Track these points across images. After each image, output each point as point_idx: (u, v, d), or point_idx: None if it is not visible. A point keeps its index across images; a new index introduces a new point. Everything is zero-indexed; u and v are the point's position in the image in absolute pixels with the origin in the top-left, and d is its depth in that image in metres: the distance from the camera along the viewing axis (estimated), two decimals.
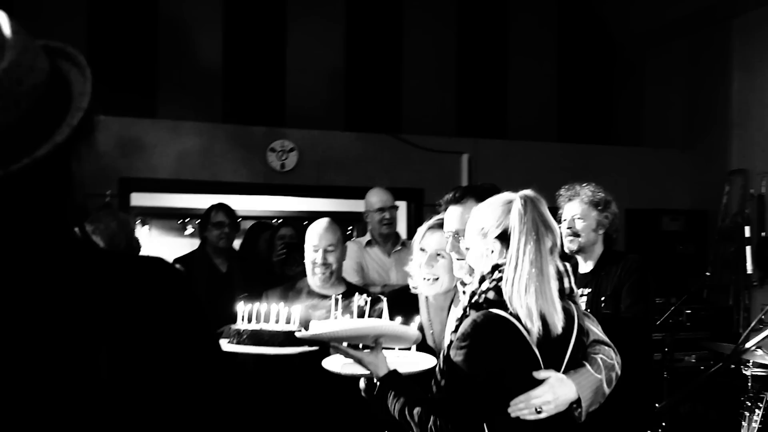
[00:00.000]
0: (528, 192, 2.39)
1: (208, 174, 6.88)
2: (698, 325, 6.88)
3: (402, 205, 7.20)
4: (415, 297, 3.08)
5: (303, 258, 4.69)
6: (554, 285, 2.35)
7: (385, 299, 2.71)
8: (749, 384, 4.47)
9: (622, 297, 3.75)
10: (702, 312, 6.97)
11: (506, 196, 2.41)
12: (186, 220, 8.38)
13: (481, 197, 2.52)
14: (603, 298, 3.80)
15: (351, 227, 8.09)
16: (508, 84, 9.02)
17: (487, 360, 2.26)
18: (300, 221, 7.01)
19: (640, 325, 3.78)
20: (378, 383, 2.55)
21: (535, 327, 2.27)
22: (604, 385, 2.44)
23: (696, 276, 7.68)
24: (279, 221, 6.56)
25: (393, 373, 2.55)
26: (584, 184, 4.06)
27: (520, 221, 2.31)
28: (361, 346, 2.59)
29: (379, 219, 4.88)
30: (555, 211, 2.48)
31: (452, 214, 2.83)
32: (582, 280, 3.89)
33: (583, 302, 3.73)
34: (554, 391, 2.30)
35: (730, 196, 7.83)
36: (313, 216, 7.28)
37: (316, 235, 3.69)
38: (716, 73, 8.21)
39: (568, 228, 3.95)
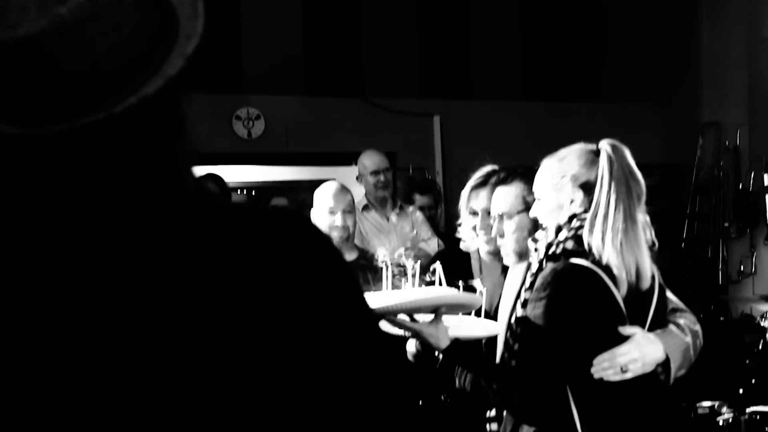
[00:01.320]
0: (613, 141, 2.26)
1: None
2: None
3: None
4: (466, 255, 2.89)
5: None
6: (643, 235, 2.22)
7: (438, 263, 2.45)
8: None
9: None
10: (685, 266, 6.91)
11: (586, 146, 2.30)
12: None
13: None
14: None
15: None
16: (471, 41, 8.74)
17: (569, 310, 2.12)
18: (271, 191, 6.69)
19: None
20: (441, 356, 2.35)
21: (626, 278, 2.14)
22: (691, 350, 2.28)
23: (674, 231, 7.60)
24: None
25: (456, 344, 2.34)
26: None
27: (610, 169, 2.18)
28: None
29: (374, 182, 4.69)
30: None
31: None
32: None
33: None
34: (641, 349, 2.14)
35: (704, 149, 7.76)
36: (287, 185, 7.03)
37: (330, 197, 3.51)
38: (684, 23, 8.07)
39: None
